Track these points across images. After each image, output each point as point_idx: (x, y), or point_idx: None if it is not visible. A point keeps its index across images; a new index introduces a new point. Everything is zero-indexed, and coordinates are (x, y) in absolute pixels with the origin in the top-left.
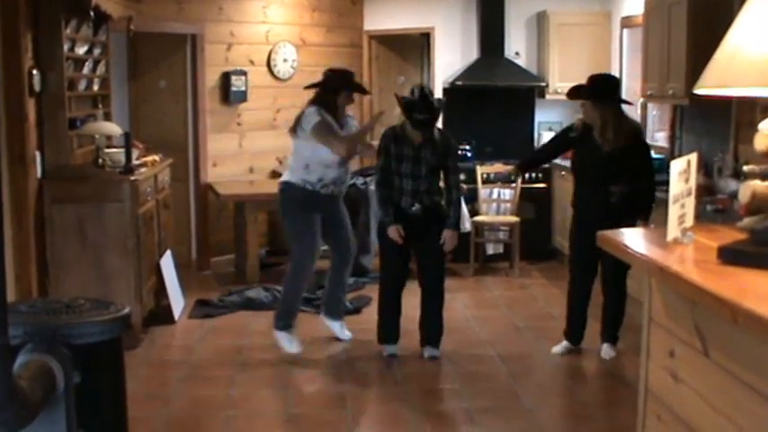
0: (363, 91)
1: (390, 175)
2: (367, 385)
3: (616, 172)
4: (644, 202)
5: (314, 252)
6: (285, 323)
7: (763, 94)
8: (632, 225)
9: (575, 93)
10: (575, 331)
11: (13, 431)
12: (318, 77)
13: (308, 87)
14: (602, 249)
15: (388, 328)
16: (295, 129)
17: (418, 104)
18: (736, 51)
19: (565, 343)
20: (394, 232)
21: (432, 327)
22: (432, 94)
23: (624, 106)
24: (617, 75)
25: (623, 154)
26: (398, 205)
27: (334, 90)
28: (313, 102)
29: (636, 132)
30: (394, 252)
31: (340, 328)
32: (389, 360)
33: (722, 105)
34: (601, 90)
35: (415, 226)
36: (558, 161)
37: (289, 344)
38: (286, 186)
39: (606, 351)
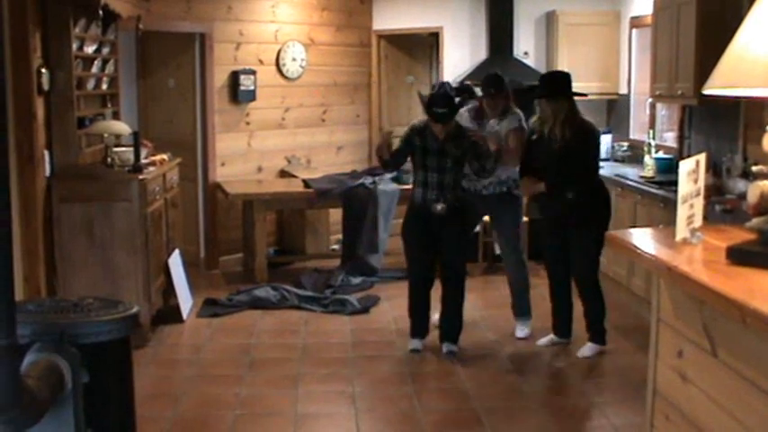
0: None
1: (399, 163)
2: (375, 384)
3: (570, 168)
4: (569, 183)
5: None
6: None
7: None
8: (590, 221)
9: (529, 92)
10: (559, 324)
11: (21, 430)
12: (327, 77)
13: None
14: (570, 248)
15: (418, 325)
16: None
17: (437, 99)
18: (744, 52)
19: (551, 336)
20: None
21: (451, 323)
22: (453, 90)
23: (632, 103)
24: (626, 75)
25: (575, 150)
26: (422, 200)
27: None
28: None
29: (587, 129)
30: (415, 251)
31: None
32: (401, 358)
33: (731, 106)
34: (553, 87)
35: (438, 224)
36: None
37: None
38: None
39: (582, 350)
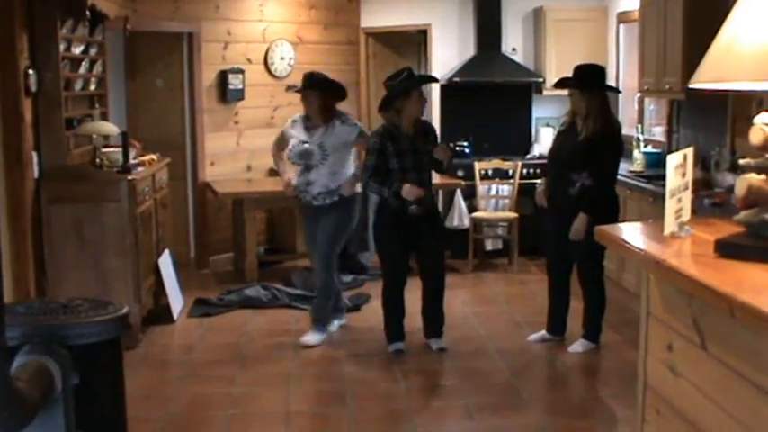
0: (305, 88)
1: (383, 175)
2: (367, 382)
3: (581, 161)
4: (590, 196)
5: (310, 258)
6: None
7: (758, 87)
8: (596, 218)
9: (562, 83)
10: (553, 322)
11: None
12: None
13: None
14: (573, 244)
15: (394, 328)
16: None
17: (402, 75)
18: (730, 45)
19: (542, 332)
20: (412, 190)
21: (435, 318)
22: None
23: (620, 97)
24: (614, 70)
25: (594, 145)
26: (399, 205)
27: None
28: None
29: (614, 127)
30: (393, 254)
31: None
32: (392, 356)
33: (718, 100)
34: (588, 79)
35: (414, 226)
36: None
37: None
38: None
39: (573, 345)
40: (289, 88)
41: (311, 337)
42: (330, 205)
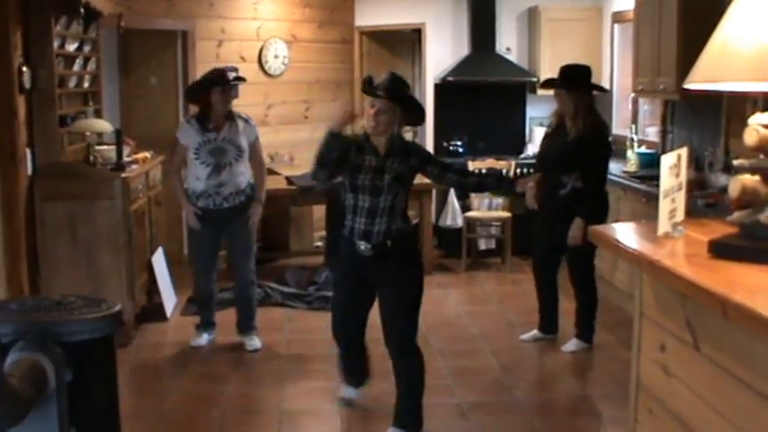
0: (231, 82)
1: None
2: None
3: (570, 162)
4: (584, 200)
5: (198, 269)
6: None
7: (752, 88)
8: (585, 223)
9: (549, 83)
10: (544, 320)
11: (4, 429)
12: (310, 74)
13: (185, 100)
14: (563, 244)
15: (351, 370)
16: None
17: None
18: (725, 46)
19: (534, 331)
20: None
21: (404, 408)
22: (405, 83)
23: (614, 97)
24: (608, 70)
25: (582, 145)
26: (349, 234)
27: (205, 92)
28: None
29: (601, 127)
30: (345, 302)
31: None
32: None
33: (713, 100)
34: (575, 79)
35: (369, 269)
36: None
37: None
38: None
39: (566, 345)
40: (237, 80)
41: (257, 342)
42: (242, 204)
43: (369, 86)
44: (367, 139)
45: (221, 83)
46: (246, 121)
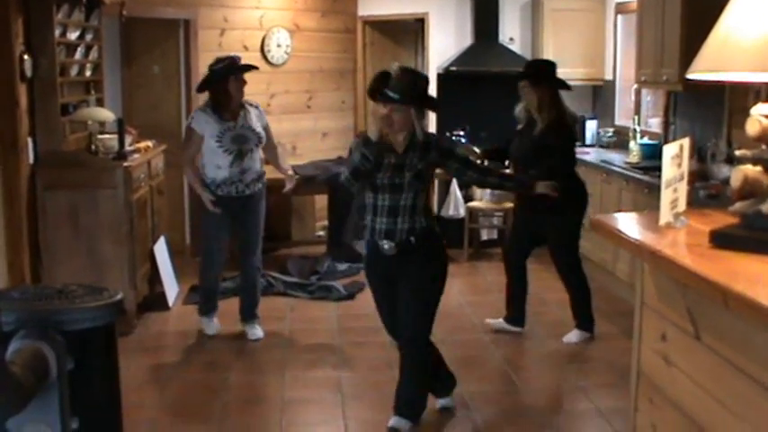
0: (249, 68)
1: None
2: (362, 370)
3: (539, 154)
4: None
5: (213, 257)
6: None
7: (754, 78)
8: (565, 208)
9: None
10: (510, 311)
11: (6, 418)
12: (312, 63)
13: (199, 90)
14: (543, 237)
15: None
16: None
17: (392, 80)
18: (728, 36)
19: (500, 321)
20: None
21: (406, 396)
22: (419, 76)
23: (617, 89)
24: (611, 61)
25: (548, 136)
26: (370, 234)
27: (220, 80)
28: (207, 101)
29: (565, 118)
30: (383, 304)
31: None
32: (387, 344)
33: (716, 91)
34: (538, 73)
35: (390, 265)
36: None
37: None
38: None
39: (568, 336)
40: (248, 68)
41: (259, 331)
42: (260, 190)
43: (382, 93)
44: (384, 138)
45: (237, 71)
46: (257, 107)
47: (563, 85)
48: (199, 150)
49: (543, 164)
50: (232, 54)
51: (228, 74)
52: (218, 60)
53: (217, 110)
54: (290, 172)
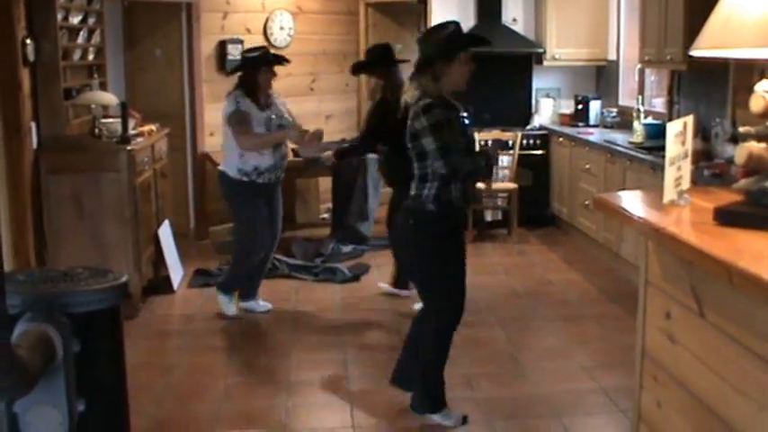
0: (283, 60)
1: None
2: (366, 351)
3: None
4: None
5: (263, 242)
6: (229, 290)
7: (758, 55)
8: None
9: (356, 68)
10: (396, 277)
11: (13, 400)
12: (315, 45)
13: (231, 73)
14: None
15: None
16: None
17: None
18: (731, 13)
19: (386, 285)
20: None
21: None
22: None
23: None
24: (615, 41)
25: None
26: (459, 205)
27: (252, 70)
28: (236, 86)
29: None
30: (460, 266)
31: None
32: (391, 325)
33: (720, 70)
34: (378, 58)
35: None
36: (557, 128)
37: (227, 307)
38: (223, 178)
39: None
40: (281, 61)
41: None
42: (285, 175)
43: (478, 39)
44: (446, 98)
45: (269, 62)
46: (278, 95)
47: (401, 61)
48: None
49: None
50: (264, 45)
51: (261, 64)
52: (252, 49)
53: (248, 97)
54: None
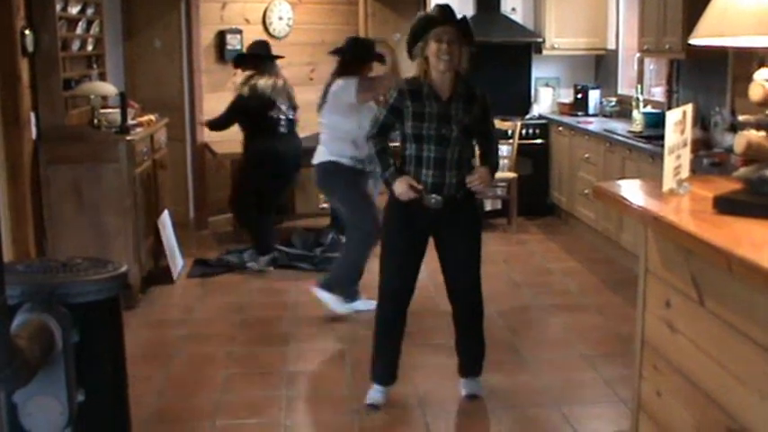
0: (382, 59)
1: (387, 133)
2: (366, 342)
3: None
4: None
5: (377, 221)
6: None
7: (757, 43)
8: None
9: (239, 60)
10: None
11: (13, 390)
12: (314, 35)
13: (333, 53)
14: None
15: (385, 365)
16: (329, 105)
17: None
18: (730, 1)
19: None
20: (404, 185)
21: (471, 352)
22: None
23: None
24: (614, 30)
25: None
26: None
27: (362, 61)
28: (339, 74)
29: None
30: (404, 259)
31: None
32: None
33: (719, 59)
34: (261, 53)
35: (433, 224)
36: (556, 117)
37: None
38: (333, 167)
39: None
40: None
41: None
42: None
43: (443, 15)
44: (424, 83)
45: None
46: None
47: (278, 57)
48: None
49: None
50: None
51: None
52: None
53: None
54: None
